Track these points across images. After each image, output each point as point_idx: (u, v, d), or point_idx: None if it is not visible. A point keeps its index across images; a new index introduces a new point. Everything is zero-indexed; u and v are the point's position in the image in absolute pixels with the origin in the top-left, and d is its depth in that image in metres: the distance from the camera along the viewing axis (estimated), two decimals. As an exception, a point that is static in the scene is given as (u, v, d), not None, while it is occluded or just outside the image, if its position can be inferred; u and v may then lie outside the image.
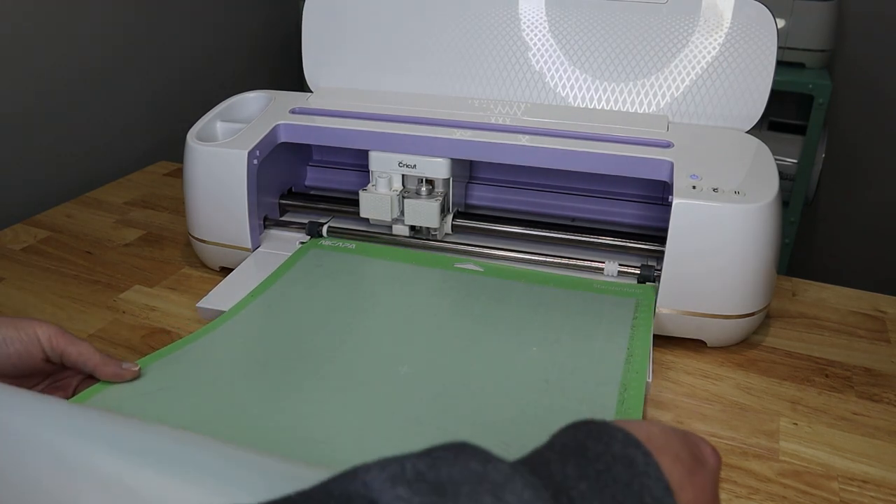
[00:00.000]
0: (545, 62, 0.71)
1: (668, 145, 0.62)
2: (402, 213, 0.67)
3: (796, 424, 0.52)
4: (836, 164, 1.42)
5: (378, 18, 0.74)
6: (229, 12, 1.20)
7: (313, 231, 0.70)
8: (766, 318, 0.63)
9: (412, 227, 0.68)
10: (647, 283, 0.62)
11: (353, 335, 0.55)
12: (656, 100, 0.68)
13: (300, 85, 0.80)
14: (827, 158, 1.29)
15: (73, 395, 0.46)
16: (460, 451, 0.25)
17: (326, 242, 0.69)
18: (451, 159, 0.65)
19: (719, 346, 0.60)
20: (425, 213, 0.66)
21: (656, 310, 0.58)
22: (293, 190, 0.77)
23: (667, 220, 0.55)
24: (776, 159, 0.61)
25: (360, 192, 0.67)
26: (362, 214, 0.67)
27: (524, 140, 0.63)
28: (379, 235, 0.69)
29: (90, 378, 0.47)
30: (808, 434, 0.51)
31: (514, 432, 0.45)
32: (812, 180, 1.24)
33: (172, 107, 1.09)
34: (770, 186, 0.56)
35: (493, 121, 0.67)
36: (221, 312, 0.58)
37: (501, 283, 0.62)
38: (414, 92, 0.74)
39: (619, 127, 0.65)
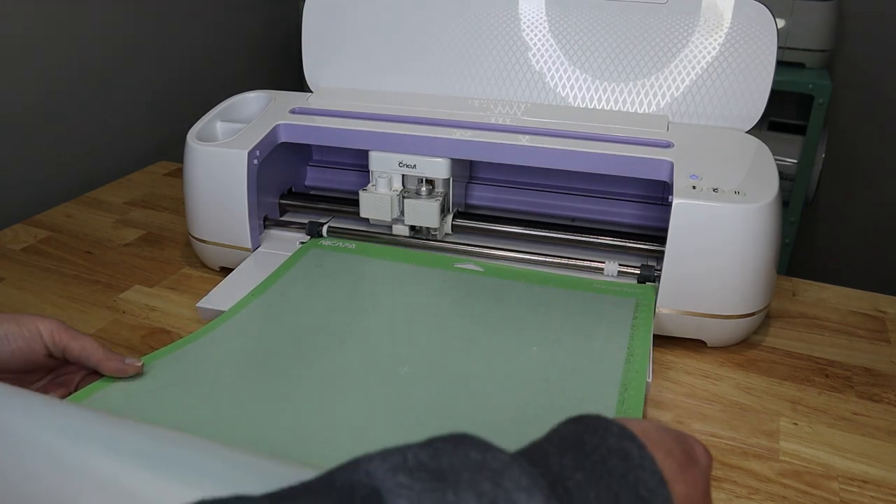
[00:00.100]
0: (545, 62, 0.71)
1: (668, 145, 0.62)
2: (402, 213, 0.67)
3: (796, 424, 0.52)
4: (836, 164, 1.42)
5: (378, 18, 0.74)
6: (229, 12, 1.20)
7: (313, 231, 0.70)
8: (767, 318, 0.63)
9: (412, 227, 0.68)
10: (647, 283, 0.62)
11: (353, 335, 0.55)
12: (656, 100, 0.68)
13: (300, 85, 0.80)
14: (827, 158, 1.29)
15: (76, 391, 0.46)
16: (460, 442, 0.26)
17: (326, 242, 0.69)
18: (451, 159, 0.65)
19: (719, 346, 0.60)
20: (425, 213, 0.66)
21: (656, 310, 0.58)
22: (293, 190, 0.77)
23: (667, 220, 0.55)
24: (776, 159, 0.61)
25: (360, 192, 0.67)
26: (362, 214, 0.67)
27: (524, 140, 0.63)
28: (379, 235, 0.69)
29: (93, 374, 0.47)
30: (808, 434, 0.51)
31: (514, 432, 0.44)
32: (812, 180, 1.24)
33: (172, 107, 1.09)
34: (770, 186, 0.56)
35: (493, 121, 0.67)
36: (221, 312, 0.58)
37: (501, 283, 0.62)
38: (414, 92, 0.74)
39: (618, 127, 0.65)
